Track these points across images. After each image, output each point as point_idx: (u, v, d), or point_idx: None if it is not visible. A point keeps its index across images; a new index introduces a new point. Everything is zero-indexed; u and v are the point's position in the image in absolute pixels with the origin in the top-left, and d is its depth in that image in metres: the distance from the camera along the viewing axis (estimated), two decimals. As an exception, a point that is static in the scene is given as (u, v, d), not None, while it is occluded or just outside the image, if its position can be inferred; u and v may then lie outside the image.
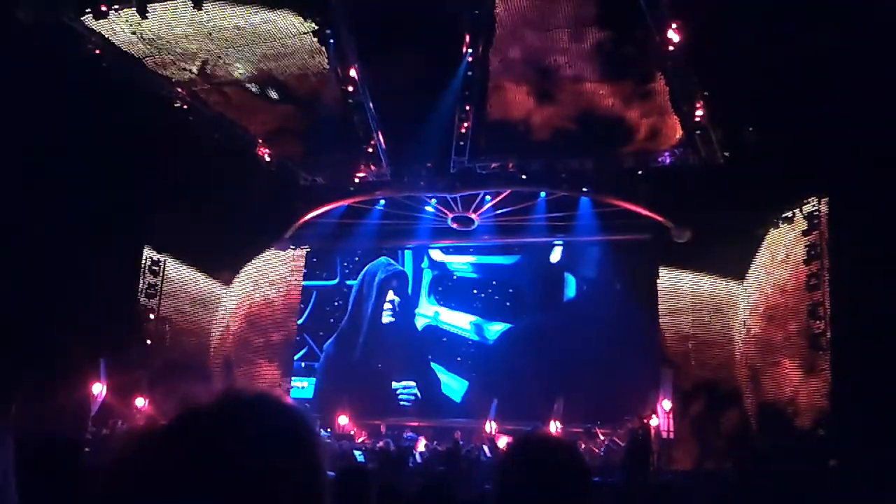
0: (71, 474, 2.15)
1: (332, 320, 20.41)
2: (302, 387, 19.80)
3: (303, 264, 20.34)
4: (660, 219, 16.72)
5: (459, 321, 19.48)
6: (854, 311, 13.42)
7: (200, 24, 13.84)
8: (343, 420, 17.51)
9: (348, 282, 20.58)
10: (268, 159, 18.10)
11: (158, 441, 1.00)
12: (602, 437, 15.88)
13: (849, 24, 11.64)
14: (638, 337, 17.23)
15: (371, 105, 15.89)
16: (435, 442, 16.36)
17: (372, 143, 16.81)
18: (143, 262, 17.52)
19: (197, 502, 0.94)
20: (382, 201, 18.85)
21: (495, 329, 19.10)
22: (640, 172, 16.66)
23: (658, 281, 17.38)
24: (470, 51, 14.68)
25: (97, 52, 14.25)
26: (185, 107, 16.00)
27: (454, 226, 18.70)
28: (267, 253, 19.89)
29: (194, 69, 15.27)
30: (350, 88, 15.36)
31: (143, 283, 17.49)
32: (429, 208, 18.90)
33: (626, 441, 14.42)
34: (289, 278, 20.18)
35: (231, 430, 0.99)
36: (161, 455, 0.97)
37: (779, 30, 12.36)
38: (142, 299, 17.44)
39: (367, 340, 19.80)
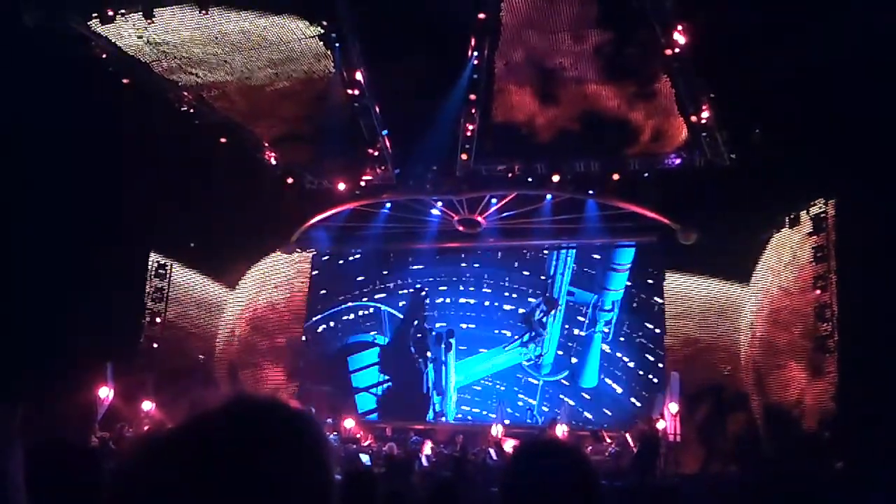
0: (88, 484, 2.14)
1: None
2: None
3: (308, 268, 20.34)
4: (666, 221, 16.69)
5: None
6: (861, 313, 13.37)
7: (206, 28, 13.88)
8: (349, 423, 17.48)
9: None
10: (274, 163, 18.13)
11: (167, 446, 1.00)
12: (609, 441, 15.84)
13: (856, 26, 11.62)
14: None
15: (377, 108, 15.90)
16: (441, 445, 16.32)
17: (377, 146, 16.82)
18: (150, 265, 17.55)
19: None
20: (388, 204, 18.83)
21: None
22: (646, 175, 16.63)
23: (664, 284, 17.36)
24: (475, 54, 14.68)
25: (103, 55, 14.30)
26: (191, 111, 16.04)
27: (460, 228, 18.68)
28: (272, 256, 19.89)
29: (200, 73, 15.31)
30: (356, 92, 15.37)
31: (150, 286, 17.51)
32: (434, 211, 18.87)
33: (635, 444, 14.40)
34: (294, 282, 20.16)
35: (240, 435, 0.99)
36: (170, 461, 0.98)
37: (785, 31, 12.34)
38: (148, 303, 17.47)
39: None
